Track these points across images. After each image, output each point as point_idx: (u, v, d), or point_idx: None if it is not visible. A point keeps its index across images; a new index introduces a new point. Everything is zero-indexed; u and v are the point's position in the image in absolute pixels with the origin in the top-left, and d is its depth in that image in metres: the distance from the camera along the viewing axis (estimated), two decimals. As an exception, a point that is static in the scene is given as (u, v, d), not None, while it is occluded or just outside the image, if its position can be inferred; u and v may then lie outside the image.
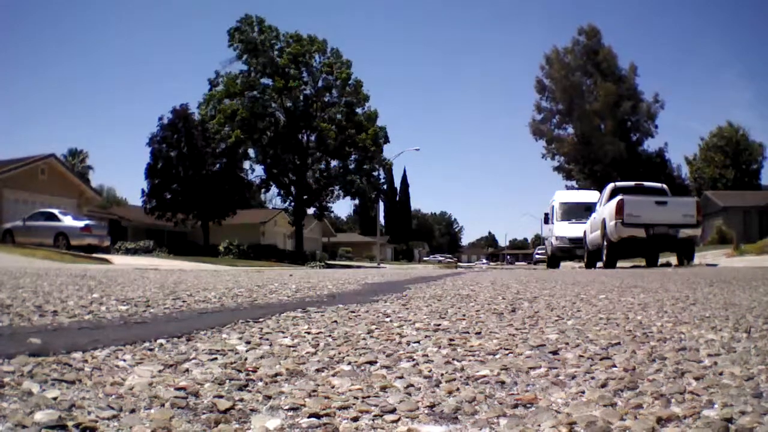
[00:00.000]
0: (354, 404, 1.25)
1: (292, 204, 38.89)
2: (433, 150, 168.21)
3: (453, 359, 1.72)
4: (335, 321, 2.61)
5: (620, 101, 52.85)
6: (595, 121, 54.30)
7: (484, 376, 1.50)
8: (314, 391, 1.35)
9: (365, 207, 66.78)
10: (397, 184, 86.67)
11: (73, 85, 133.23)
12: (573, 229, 19.13)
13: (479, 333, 2.24)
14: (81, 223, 21.74)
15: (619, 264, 14.21)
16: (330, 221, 58.05)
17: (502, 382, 1.45)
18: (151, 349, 1.81)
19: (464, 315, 2.85)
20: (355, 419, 1.16)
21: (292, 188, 38.64)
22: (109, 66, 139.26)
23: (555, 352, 1.82)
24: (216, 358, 1.69)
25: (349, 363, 1.67)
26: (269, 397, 1.29)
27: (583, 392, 1.34)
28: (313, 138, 38.61)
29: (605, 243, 13.66)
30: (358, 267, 26.77)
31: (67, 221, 21.66)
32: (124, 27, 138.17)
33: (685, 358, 1.70)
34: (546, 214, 22.67)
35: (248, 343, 1.97)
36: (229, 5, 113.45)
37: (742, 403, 1.20)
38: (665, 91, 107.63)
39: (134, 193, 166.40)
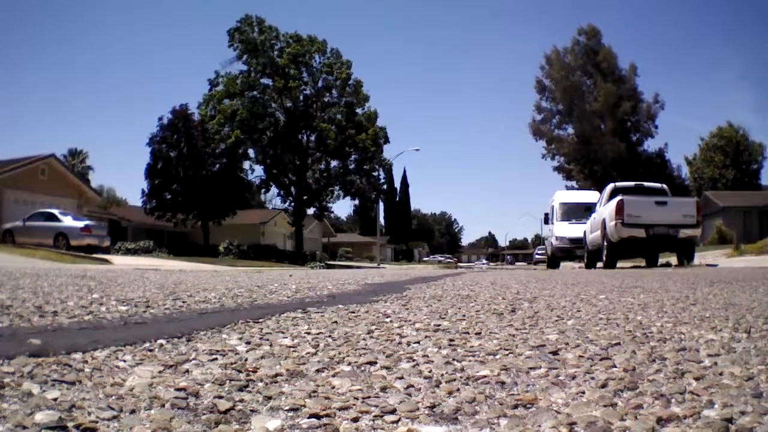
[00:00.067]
0: (354, 405, 1.25)
1: (292, 204, 38.90)
2: (433, 150, 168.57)
3: (453, 360, 1.72)
4: (335, 321, 2.61)
5: (620, 101, 52.84)
6: (595, 122, 54.30)
7: (485, 377, 1.50)
8: (314, 391, 1.35)
9: (365, 207, 66.90)
10: (397, 184, 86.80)
11: (73, 85, 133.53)
12: (573, 230, 19.12)
13: (479, 333, 2.24)
14: (81, 224, 21.75)
15: (619, 264, 14.21)
16: (330, 221, 58.06)
17: (502, 383, 1.45)
18: (151, 350, 1.81)
19: (464, 315, 2.85)
20: (356, 420, 1.16)
21: (292, 188, 38.65)
22: (109, 66, 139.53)
23: (555, 353, 1.82)
24: (216, 359, 1.69)
25: (350, 363, 1.67)
26: (269, 398, 1.29)
27: (584, 392, 1.34)
28: (313, 138, 38.63)
29: (605, 243, 13.66)
30: (358, 267, 26.77)
31: (67, 221, 21.66)
32: (124, 27, 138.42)
33: (685, 358, 1.70)
34: (546, 215, 22.66)
35: (248, 343, 1.97)
36: (229, 5, 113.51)
37: (742, 403, 1.21)
38: (665, 91, 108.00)
39: (134, 194, 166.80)
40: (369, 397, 1.31)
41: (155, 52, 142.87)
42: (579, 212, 19.76)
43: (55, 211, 22.45)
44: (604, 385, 1.39)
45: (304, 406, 1.23)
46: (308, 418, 1.16)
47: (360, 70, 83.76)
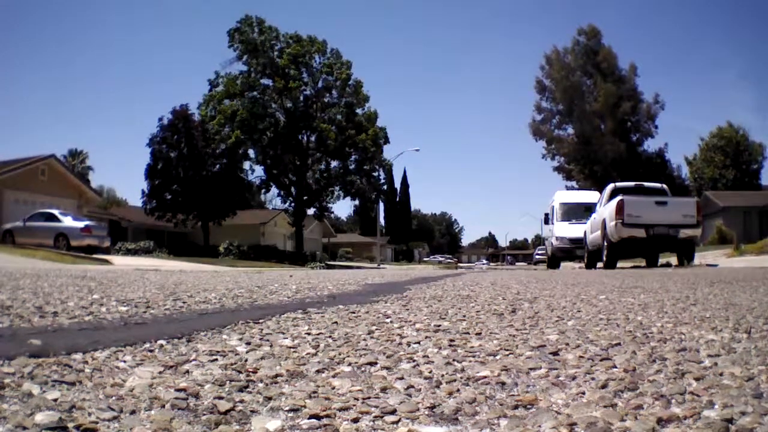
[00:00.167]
0: (354, 405, 1.25)
1: (292, 205, 38.89)
2: (433, 150, 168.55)
3: (453, 360, 1.72)
4: (335, 322, 2.61)
5: (620, 101, 52.84)
6: (595, 122, 54.30)
7: (485, 377, 1.50)
8: (314, 392, 1.35)
9: (365, 207, 66.90)
10: (397, 184, 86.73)
11: (73, 85, 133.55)
12: (573, 230, 19.11)
13: (479, 334, 2.24)
14: (81, 224, 21.75)
15: (619, 264, 14.21)
16: (330, 222, 58.05)
17: (503, 383, 1.45)
18: (151, 350, 1.81)
19: (464, 316, 2.85)
20: (356, 420, 1.16)
21: (292, 189, 38.65)
22: (109, 66, 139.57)
23: (555, 353, 1.81)
24: (216, 359, 1.69)
25: (350, 364, 1.67)
26: (270, 398, 1.29)
27: (584, 393, 1.34)
28: (313, 138, 38.63)
29: (605, 243, 13.66)
30: (358, 268, 26.76)
31: (67, 222, 21.67)
32: (124, 27, 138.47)
33: (686, 358, 1.70)
34: (546, 215, 22.65)
35: (248, 344, 1.97)
36: (229, 5, 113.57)
37: (742, 403, 1.21)
38: (665, 91, 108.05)
39: (134, 194, 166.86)
40: (369, 398, 1.31)
41: (155, 52, 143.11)
42: (579, 212, 19.76)
43: (56, 212, 22.46)
44: (604, 386, 1.39)
45: (305, 406, 1.23)
46: (308, 418, 1.16)
47: (360, 70, 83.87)
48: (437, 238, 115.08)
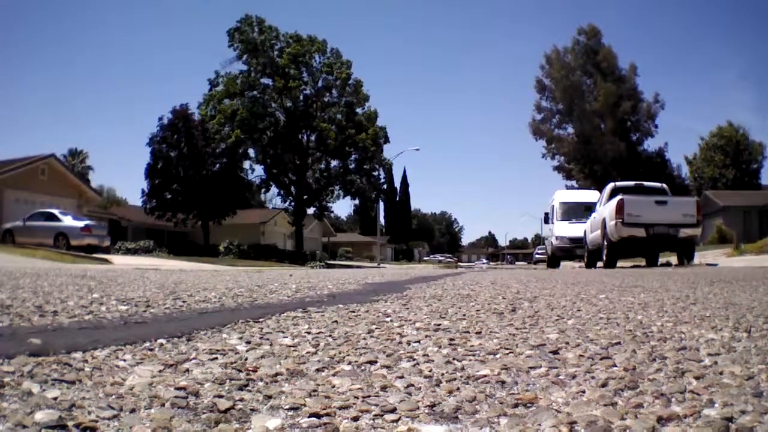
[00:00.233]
0: (354, 404, 1.25)
1: (292, 204, 38.91)
2: (433, 150, 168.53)
3: (453, 359, 1.72)
4: (335, 321, 2.61)
5: (620, 101, 52.84)
6: (595, 121, 54.30)
7: (485, 376, 1.50)
8: (314, 390, 1.35)
9: (365, 207, 66.90)
10: (397, 184, 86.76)
11: (73, 85, 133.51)
12: (573, 229, 19.12)
13: (479, 333, 2.24)
14: (81, 224, 21.75)
15: (619, 264, 14.21)
16: (330, 221, 58.05)
17: (503, 382, 1.45)
18: (151, 349, 1.81)
19: (464, 315, 2.85)
20: (356, 419, 1.16)
21: (292, 188, 38.66)
22: (108, 66, 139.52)
23: (555, 352, 1.81)
24: (216, 358, 1.69)
25: (350, 363, 1.67)
26: (269, 397, 1.29)
27: (584, 392, 1.34)
28: (313, 138, 38.64)
29: (605, 243, 13.66)
30: (358, 267, 26.77)
31: (67, 221, 21.67)
32: (124, 27, 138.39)
33: (686, 357, 1.70)
34: (546, 214, 22.67)
35: (248, 342, 1.97)
36: (229, 5, 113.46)
37: (742, 402, 1.20)
38: (665, 91, 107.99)
39: (134, 194, 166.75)
40: (369, 396, 1.31)
41: (155, 52, 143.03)
42: (579, 212, 19.77)
43: (55, 211, 22.46)
44: (604, 385, 1.39)
45: (305, 405, 1.23)
46: (308, 417, 1.16)
47: (360, 70, 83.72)
48: (437, 237, 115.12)
